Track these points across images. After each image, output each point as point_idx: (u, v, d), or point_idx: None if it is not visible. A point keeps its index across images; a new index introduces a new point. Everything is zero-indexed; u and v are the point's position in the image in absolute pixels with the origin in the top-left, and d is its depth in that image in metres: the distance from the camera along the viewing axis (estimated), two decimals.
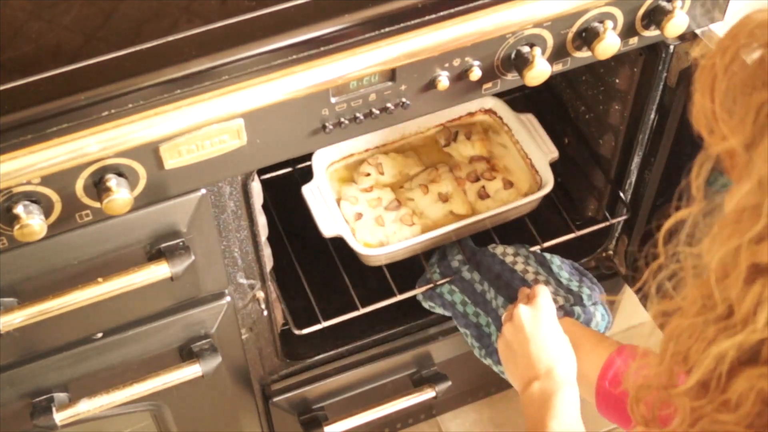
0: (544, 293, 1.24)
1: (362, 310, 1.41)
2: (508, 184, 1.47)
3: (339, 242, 1.59)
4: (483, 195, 1.46)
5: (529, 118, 1.52)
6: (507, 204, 1.43)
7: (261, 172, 1.50)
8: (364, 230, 1.42)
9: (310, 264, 1.49)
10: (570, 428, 1.08)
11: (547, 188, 1.43)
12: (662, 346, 0.77)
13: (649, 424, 0.84)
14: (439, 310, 1.44)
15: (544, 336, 1.17)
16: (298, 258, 1.48)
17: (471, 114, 1.56)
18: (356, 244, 1.37)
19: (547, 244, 1.47)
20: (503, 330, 1.23)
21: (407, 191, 1.47)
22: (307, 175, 1.56)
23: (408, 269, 1.55)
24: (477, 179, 1.48)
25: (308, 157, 1.57)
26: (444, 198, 1.46)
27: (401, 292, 1.44)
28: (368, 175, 1.49)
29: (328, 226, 1.38)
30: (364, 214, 1.43)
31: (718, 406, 0.71)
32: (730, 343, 0.68)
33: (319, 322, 1.39)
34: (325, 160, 1.50)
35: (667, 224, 0.76)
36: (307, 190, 1.42)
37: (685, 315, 0.74)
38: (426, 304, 1.45)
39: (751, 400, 0.68)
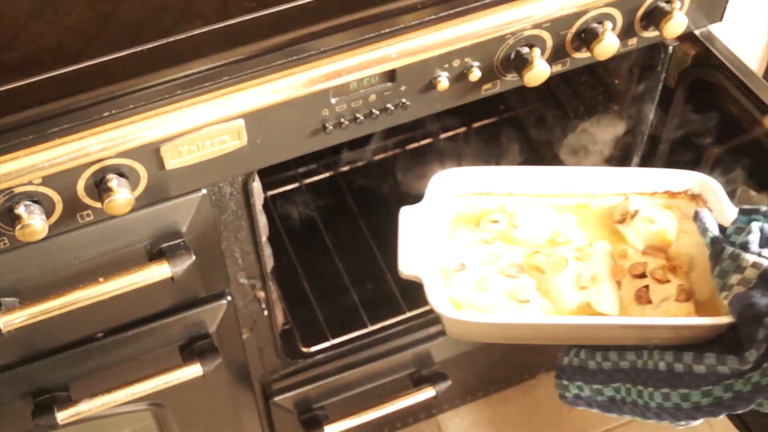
0: None
1: (370, 327, 1.42)
2: (684, 295, 1.05)
3: (342, 239, 1.59)
4: (643, 299, 1.06)
5: None
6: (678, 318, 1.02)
7: (268, 187, 1.50)
8: (457, 286, 1.06)
9: (310, 265, 1.49)
10: None
11: (729, 318, 0.97)
12: None
13: None
14: (594, 410, 1.12)
15: None
16: (299, 259, 1.49)
17: (672, 194, 1.13)
18: (435, 298, 1.01)
19: None
20: None
21: (542, 258, 1.10)
22: (314, 189, 1.55)
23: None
24: (642, 275, 1.07)
25: (316, 171, 1.58)
26: (585, 284, 1.07)
27: (408, 304, 1.44)
28: (496, 222, 1.12)
29: (409, 263, 1.03)
30: (468, 266, 1.08)
31: None
32: None
33: (327, 338, 1.41)
34: (453, 188, 1.12)
35: None
36: (407, 214, 1.07)
37: None
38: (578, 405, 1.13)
39: None
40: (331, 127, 1.04)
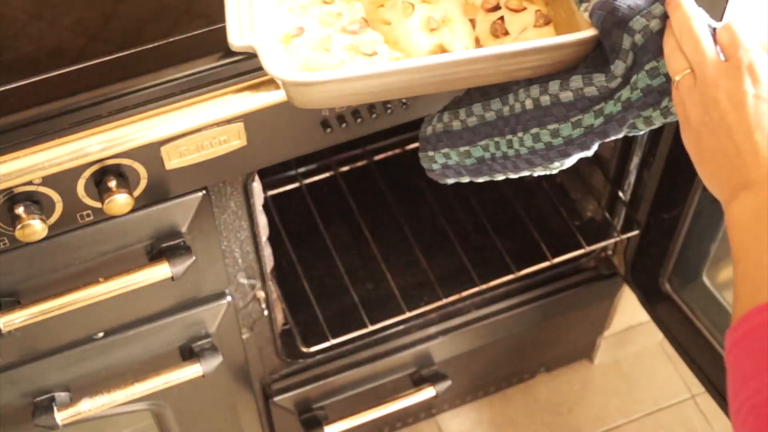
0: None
1: (370, 327, 1.41)
2: (543, 20, 0.99)
3: (342, 239, 1.59)
4: (499, 31, 1.00)
5: None
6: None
7: (268, 187, 1.50)
8: (298, 53, 0.97)
9: (310, 265, 1.49)
10: None
11: (592, 31, 0.89)
12: None
13: None
14: (465, 179, 1.04)
15: None
16: (299, 259, 1.49)
17: None
18: (269, 60, 0.90)
19: (558, 260, 1.47)
20: (706, 89, 0.77)
21: (387, 11, 1.02)
22: (314, 189, 1.55)
23: (415, 280, 1.55)
24: (496, 8, 1.01)
25: (316, 171, 1.57)
26: (435, 25, 1.00)
27: (408, 304, 1.42)
28: None
29: (240, 34, 0.93)
30: (307, 30, 0.98)
31: None
32: None
33: (327, 339, 1.40)
34: None
35: None
36: None
37: None
38: (446, 181, 1.06)
39: None
40: (331, 127, 1.04)
